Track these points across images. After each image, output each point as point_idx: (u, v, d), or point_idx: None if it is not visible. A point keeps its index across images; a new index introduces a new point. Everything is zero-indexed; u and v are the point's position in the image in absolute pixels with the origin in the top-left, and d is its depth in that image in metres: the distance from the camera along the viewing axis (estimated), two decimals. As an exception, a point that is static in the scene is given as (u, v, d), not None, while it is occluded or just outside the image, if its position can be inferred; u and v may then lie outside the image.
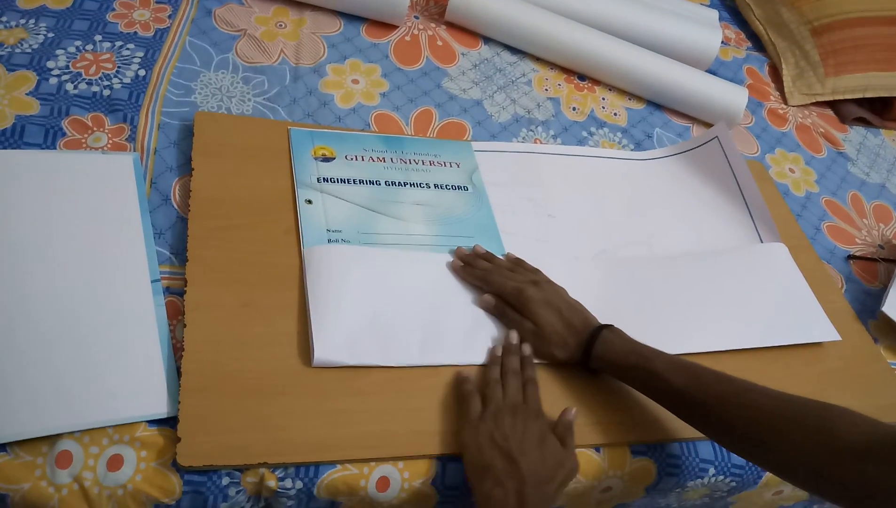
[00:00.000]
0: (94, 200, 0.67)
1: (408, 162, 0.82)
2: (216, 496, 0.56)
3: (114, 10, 0.88)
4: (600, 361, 0.66)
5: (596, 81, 1.08)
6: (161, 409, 0.57)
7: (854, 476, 0.52)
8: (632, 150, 0.99)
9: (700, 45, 1.12)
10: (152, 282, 0.64)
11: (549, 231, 0.82)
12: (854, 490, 0.52)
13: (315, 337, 0.63)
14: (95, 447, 0.54)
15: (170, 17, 0.90)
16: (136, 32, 0.86)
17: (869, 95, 1.22)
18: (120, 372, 0.58)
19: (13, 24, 0.82)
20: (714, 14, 1.23)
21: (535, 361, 0.69)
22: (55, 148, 0.71)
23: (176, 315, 0.63)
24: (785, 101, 1.22)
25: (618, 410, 0.68)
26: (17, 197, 0.65)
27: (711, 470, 0.69)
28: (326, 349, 0.62)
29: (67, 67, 0.79)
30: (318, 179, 0.76)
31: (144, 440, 0.55)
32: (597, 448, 0.66)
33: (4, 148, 0.69)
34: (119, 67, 0.81)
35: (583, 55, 1.05)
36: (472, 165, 0.85)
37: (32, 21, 0.83)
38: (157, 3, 0.91)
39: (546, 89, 1.04)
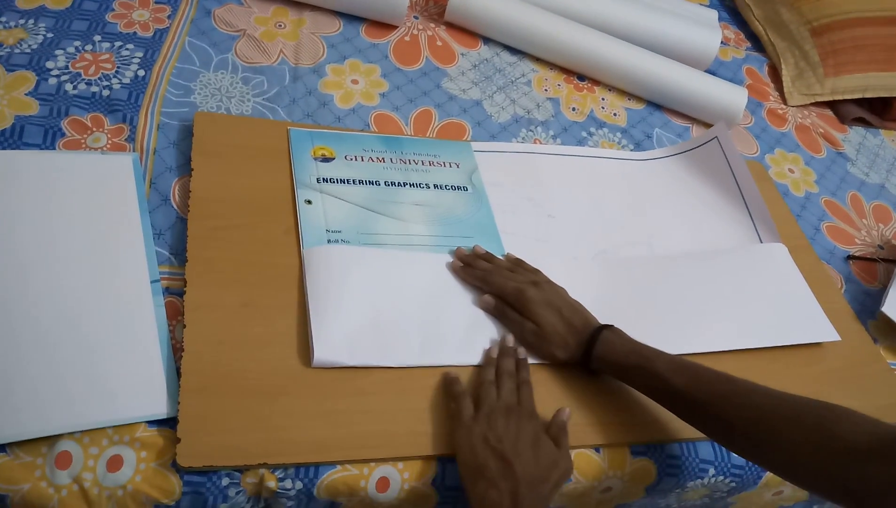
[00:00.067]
0: (93, 200, 0.67)
1: (407, 162, 0.82)
2: (216, 496, 0.56)
3: (113, 10, 0.88)
4: (601, 361, 0.66)
5: (595, 82, 1.08)
6: (161, 409, 0.57)
7: (855, 476, 0.52)
8: (631, 150, 0.99)
9: (699, 46, 1.13)
10: (152, 282, 0.64)
11: (548, 231, 0.82)
12: (855, 490, 0.52)
13: (315, 337, 0.63)
14: (95, 447, 0.54)
15: (169, 17, 0.89)
16: (135, 33, 0.86)
17: (868, 95, 1.22)
18: (120, 373, 0.58)
19: (12, 24, 0.82)
20: (713, 14, 1.24)
21: (536, 361, 0.69)
22: (54, 148, 0.71)
23: (175, 316, 0.63)
24: (784, 101, 1.22)
25: (618, 410, 0.68)
26: (16, 197, 0.65)
27: (711, 471, 0.69)
28: (326, 350, 0.62)
29: (67, 67, 0.79)
30: (318, 180, 0.76)
31: (144, 440, 0.55)
32: (597, 449, 0.66)
33: (4, 148, 0.69)
34: (118, 67, 0.81)
35: (582, 55, 1.05)
36: (472, 166, 0.85)
37: (32, 21, 0.83)
38: (156, 3, 0.91)
39: (546, 90, 1.04)
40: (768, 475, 0.72)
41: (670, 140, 1.04)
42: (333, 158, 0.79)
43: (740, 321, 0.79)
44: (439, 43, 1.03)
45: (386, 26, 1.01)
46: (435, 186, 0.81)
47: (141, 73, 0.81)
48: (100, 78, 0.79)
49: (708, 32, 1.14)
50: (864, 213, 1.06)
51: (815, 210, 1.03)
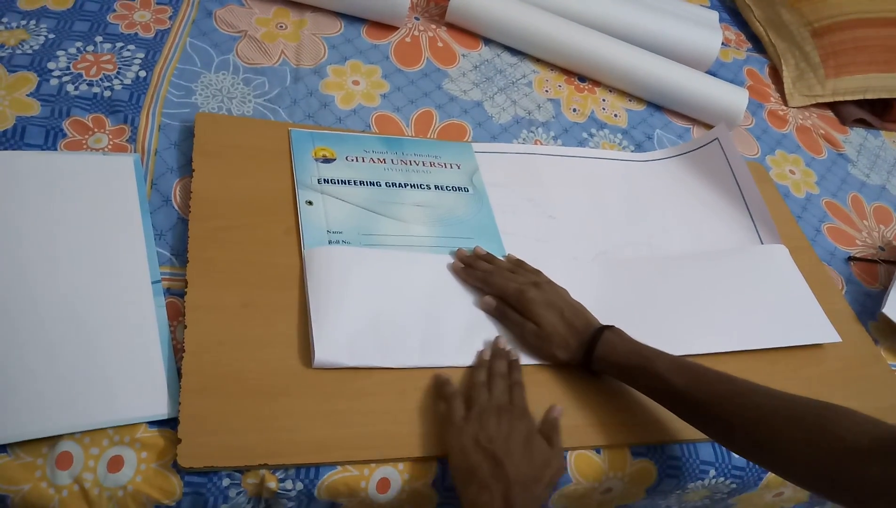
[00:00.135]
0: (94, 201, 0.67)
1: (408, 163, 0.83)
2: (216, 497, 0.56)
3: (114, 11, 0.88)
4: (602, 362, 0.66)
5: (596, 83, 1.08)
6: (161, 410, 0.57)
7: (856, 476, 0.52)
8: (632, 151, 0.99)
9: (700, 47, 1.13)
10: (153, 283, 0.64)
11: (549, 232, 0.82)
12: (856, 490, 0.52)
13: (315, 338, 0.63)
14: (96, 448, 0.54)
15: (170, 18, 0.90)
16: (136, 33, 0.86)
17: (869, 96, 1.22)
18: (120, 373, 0.58)
19: (14, 25, 0.82)
20: (714, 15, 1.23)
21: (537, 362, 0.69)
22: (56, 149, 0.71)
23: (176, 316, 0.63)
24: (785, 102, 1.22)
25: (618, 411, 0.68)
26: (17, 198, 0.65)
27: (712, 472, 0.69)
28: (327, 350, 0.62)
29: (68, 68, 0.79)
30: (319, 181, 0.77)
31: (145, 441, 0.55)
32: (597, 450, 0.66)
33: (5, 149, 0.69)
34: (120, 68, 0.81)
35: (583, 56, 1.05)
36: (473, 167, 0.85)
37: (33, 22, 0.83)
38: (157, 4, 0.91)
39: (546, 91, 1.04)
40: (769, 476, 0.72)
41: (671, 141, 1.04)
42: (334, 159, 0.79)
43: (741, 322, 0.79)
44: (440, 44, 1.03)
45: (387, 27, 1.02)
46: (436, 186, 0.81)
47: (142, 73, 0.81)
48: (101, 79, 0.79)
49: (709, 33, 1.14)
50: (864, 214, 1.06)
51: (815, 211, 1.03)
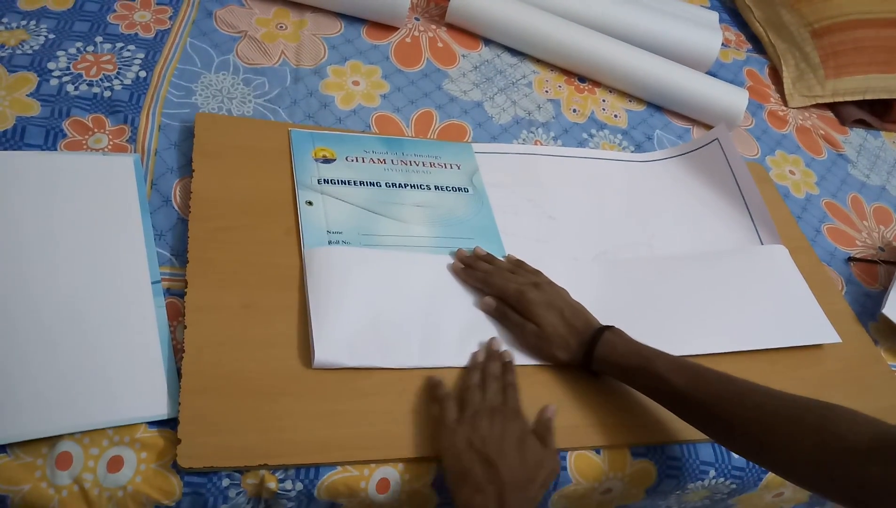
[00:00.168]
0: (94, 201, 0.67)
1: (408, 164, 0.83)
2: (216, 497, 0.56)
3: (114, 11, 0.88)
4: (602, 362, 0.66)
5: (596, 83, 1.08)
6: (161, 410, 0.57)
7: (856, 476, 0.52)
8: (632, 151, 1.00)
9: (700, 47, 1.13)
10: (153, 283, 0.64)
11: (549, 233, 0.82)
12: (857, 490, 0.52)
13: (315, 339, 0.63)
14: (95, 448, 0.54)
15: (170, 18, 0.90)
16: (136, 34, 0.86)
17: (869, 97, 1.22)
18: (120, 373, 0.58)
19: (14, 25, 0.82)
20: (714, 16, 1.24)
21: (537, 362, 0.69)
22: (56, 149, 0.71)
23: (176, 316, 0.63)
24: (785, 103, 1.22)
25: (618, 411, 0.68)
26: (17, 198, 0.65)
27: (712, 472, 0.69)
28: (327, 351, 0.62)
29: (68, 68, 0.79)
30: (319, 181, 0.77)
31: (144, 441, 0.55)
32: (597, 450, 0.66)
33: (5, 149, 0.69)
34: (120, 68, 0.81)
35: (583, 57, 1.05)
36: (473, 167, 0.85)
37: (33, 22, 0.83)
38: (157, 4, 0.91)
39: (546, 91, 1.04)
40: (769, 476, 0.72)
41: (671, 142, 1.04)
42: (334, 160, 0.79)
43: (741, 322, 0.79)
44: (440, 44, 1.03)
45: (387, 28, 1.02)
46: (436, 187, 0.81)
47: (142, 74, 0.81)
48: (101, 79, 0.79)
49: (709, 34, 1.14)
50: (864, 215, 1.06)
51: (815, 212, 1.03)
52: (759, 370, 0.75)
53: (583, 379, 0.68)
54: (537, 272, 0.73)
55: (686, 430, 0.65)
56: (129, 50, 0.83)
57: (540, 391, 0.67)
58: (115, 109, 0.76)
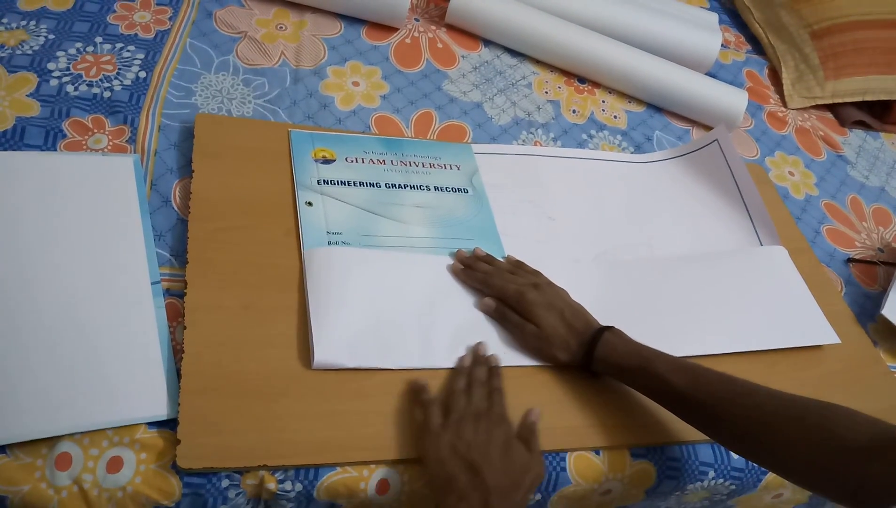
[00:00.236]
0: (94, 201, 0.67)
1: (408, 164, 0.83)
2: (216, 498, 0.56)
3: (114, 11, 0.88)
4: (602, 363, 0.66)
5: (596, 84, 1.08)
6: (161, 411, 0.57)
7: (856, 475, 0.52)
8: (632, 152, 1.00)
9: (700, 49, 1.13)
10: (152, 284, 0.64)
11: (549, 233, 0.82)
12: (856, 489, 0.52)
13: (315, 339, 0.63)
14: (95, 449, 0.54)
15: (170, 18, 0.90)
16: (136, 34, 0.86)
17: (868, 98, 1.22)
18: (120, 374, 0.58)
19: (14, 25, 0.82)
20: (714, 17, 1.24)
21: (537, 363, 0.69)
22: (55, 150, 0.71)
23: (176, 317, 0.63)
24: (784, 104, 1.22)
25: (618, 412, 0.68)
26: (17, 199, 0.65)
27: (711, 473, 0.69)
28: (327, 352, 0.62)
29: (68, 68, 0.79)
30: (319, 182, 0.77)
31: (144, 442, 0.55)
32: (597, 451, 0.66)
33: (5, 150, 0.69)
34: (119, 68, 0.81)
35: (583, 58, 1.05)
36: (473, 168, 0.85)
37: (33, 23, 0.83)
38: (157, 4, 0.91)
39: (546, 92, 1.04)
40: (768, 477, 0.72)
41: (671, 143, 1.04)
42: (334, 160, 0.79)
43: (740, 323, 0.79)
44: (440, 45, 1.03)
45: (387, 28, 1.02)
46: (435, 188, 0.81)
47: (142, 74, 0.81)
48: (101, 79, 0.79)
49: (708, 35, 1.14)
50: (864, 216, 1.06)
51: (815, 213, 1.03)
52: (759, 371, 0.75)
53: (583, 380, 0.69)
54: (537, 273, 0.73)
55: (686, 431, 0.65)
56: (128, 50, 0.83)
57: (540, 392, 0.67)
58: (115, 109, 0.76)
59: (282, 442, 0.58)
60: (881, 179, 1.15)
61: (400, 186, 0.80)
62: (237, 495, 0.57)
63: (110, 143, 0.73)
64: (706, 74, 1.13)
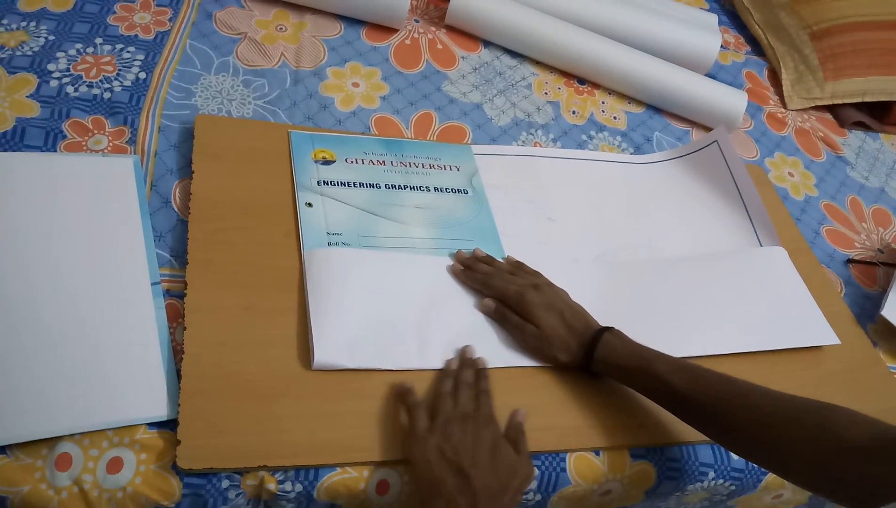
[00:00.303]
0: (94, 202, 0.67)
1: (408, 165, 0.83)
2: (216, 498, 0.56)
3: (114, 12, 0.88)
4: (602, 364, 0.66)
5: (596, 85, 1.08)
6: (161, 412, 0.57)
7: (856, 475, 0.52)
8: (631, 153, 1.00)
9: (700, 50, 1.13)
10: (152, 285, 0.64)
11: (549, 234, 0.83)
12: (856, 489, 0.52)
13: (315, 340, 0.63)
14: (95, 449, 0.54)
15: (170, 20, 0.90)
16: (136, 35, 0.86)
17: (868, 99, 1.22)
18: (120, 375, 0.58)
19: (14, 26, 0.82)
20: (713, 18, 1.24)
21: (537, 364, 0.69)
22: (55, 151, 0.71)
23: (176, 318, 0.63)
24: (784, 105, 1.22)
25: (618, 413, 0.68)
26: (17, 200, 0.65)
27: (711, 474, 0.69)
28: (326, 352, 0.62)
29: (68, 69, 0.79)
30: (319, 182, 0.77)
31: (144, 442, 0.55)
32: (596, 451, 0.66)
33: (5, 151, 0.69)
34: (120, 69, 0.81)
35: (582, 59, 1.05)
36: (472, 169, 0.85)
37: (33, 24, 0.83)
38: (157, 6, 0.91)
39: (546, 93, 1.04)
40: (768, 478, 0.72)
41: (670, 144, 1.04)
42: (334, 161, 0.80)
43: (740, 324, 0.79)
44: (440, 46, 1.04)
45: (387, 29, 1.02)
46: (435, 189, 0.81)
47: (142, 75, 0.81)
48: (101, 80, 0.79)
49: (708, 36, 1.14)
50: (863, 216, 1.06)
51: (814, 214, 1.03)
52: (759, 372, 0.75)
53: (583, 381, 0.69)
54: (537, 274, 0.73)
55: (685, 432, 0.65)
56: (128, 51, 0.83)
57: (540, 393, 0.67)
58: (115, 110, 0.76)
59: (282, 443, 0.58)
60: (881, 179, 1.15)
61: (400, 187, 0.80)
62: (237, 495, 0.57)
63: (110, 144, 0.73)
64: (706, 75, 1.13)
